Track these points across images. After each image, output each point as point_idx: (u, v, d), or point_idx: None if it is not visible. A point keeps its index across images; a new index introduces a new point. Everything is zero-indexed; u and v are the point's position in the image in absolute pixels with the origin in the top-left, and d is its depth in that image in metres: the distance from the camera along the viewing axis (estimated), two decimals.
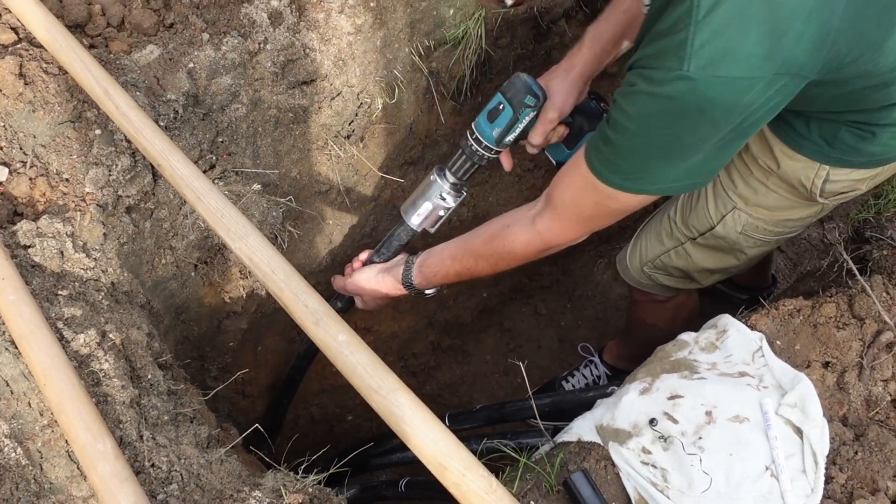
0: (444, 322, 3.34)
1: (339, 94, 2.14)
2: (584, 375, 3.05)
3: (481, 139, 1.88)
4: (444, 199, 2.01)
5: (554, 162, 2.04)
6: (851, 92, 1.50)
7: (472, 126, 1.90)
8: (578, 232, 1.68)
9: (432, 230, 2.08)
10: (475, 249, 1.86)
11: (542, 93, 1.84)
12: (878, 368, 1.71)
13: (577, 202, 1.60)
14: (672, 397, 1.66)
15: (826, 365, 1.72)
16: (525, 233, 1.74)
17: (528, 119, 1.85)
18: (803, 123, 1.67)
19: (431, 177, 2.01)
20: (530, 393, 2.00)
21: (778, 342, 1.76)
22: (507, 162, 1.98)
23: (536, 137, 1.90)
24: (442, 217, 2.05)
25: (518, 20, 2.43)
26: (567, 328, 3.68)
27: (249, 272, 2.08)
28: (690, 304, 2.37)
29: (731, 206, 1.90)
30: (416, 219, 2.04)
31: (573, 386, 3.04)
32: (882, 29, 1.36)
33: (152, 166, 1.76)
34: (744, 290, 2.96)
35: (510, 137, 1.87)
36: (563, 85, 1.89)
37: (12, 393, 1.40)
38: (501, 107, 1.84)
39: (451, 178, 1.99)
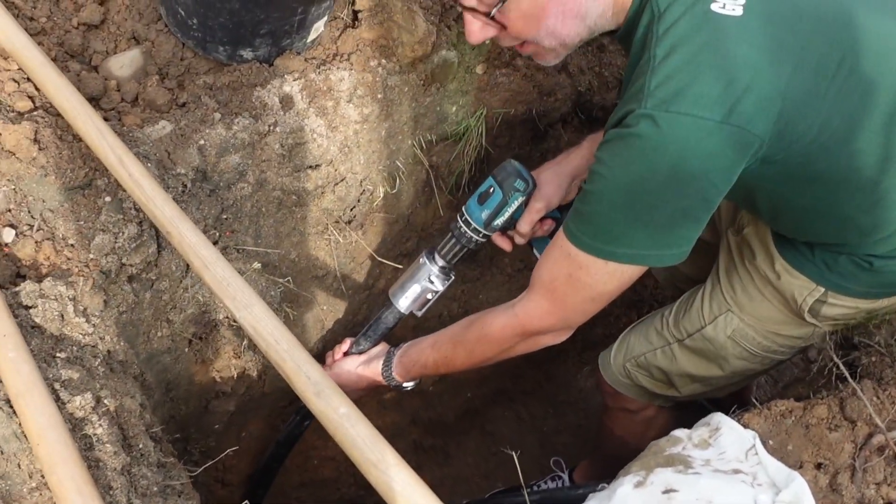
0: (427, 421, 3.31)
1: (342, 180, 2.18)
2: (549, 488, 3.01)
3: (470, 221, 1.91)
4: (432, 283, 2.03)
5: (538, 256, 2.06)
6: (844, 219, 1.59)
7: (463, 209, 1.94)
8: (555, 316, 1.68)
9: (420, 314, 2.10)
10: (454, 336, 1.87)
11: (532, 180, 1.89)
12: (871, 471, 1.70)
13: (553, 276, 1.62)
14: (667, 491, 1.64)
15: (818, 466, 1.72)
16: (504, 316, 1.75)
17: (516, 204, 1.89)
18: (807, 248, 1.74)
19: (420, 260, 2.04)
20: (523, 484, 1.97)
21: (770, 442, 1.76)
22: (505, 244, 2.00)
23: (524, 226, 1.93)
24: (430, 301, 2.07)
25: (517, 121, 2.51)
26: (548, 434, 3.65)
27: (244, 350, 2.07)
28: (660, 421, 2.31)
29: (726, 308, 1.93)
30: (405, 301, 2.05)
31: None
32: (845, 121, 1.44)
33: (158, 236, 1.77)
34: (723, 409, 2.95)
35: (499, 221, 1.91)
36: (553, 178, 1.94)
37: (2, 453, 1.37)
38: (492, 190, 1.88)
39: (441, 262, 2.02)
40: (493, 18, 1.54)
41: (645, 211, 1.43)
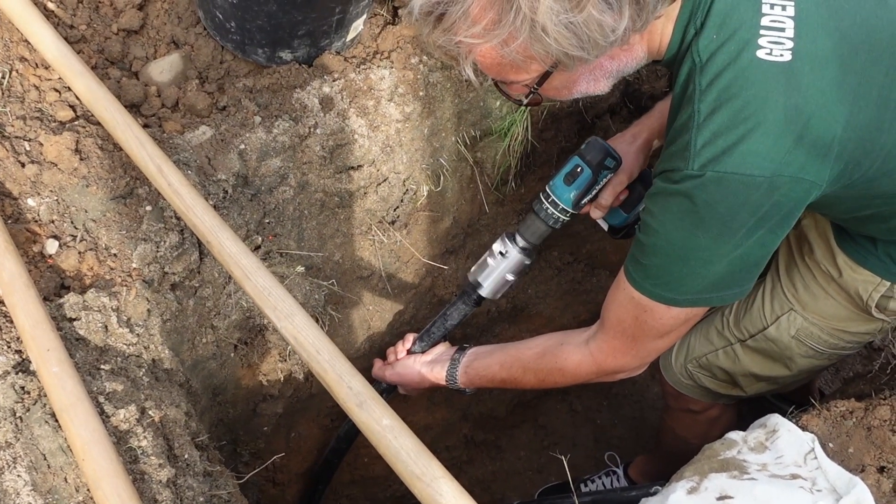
0: (478, 415, 3.29)
1: (385, 180, 2.15)
2: (603, 484, 2.97)
3: (558, 202, 1.90)
4: (515, 266, 2.02)
5: (606, 227, 2.05)
6: None
7: (547, 190, 1.92)
8: (628, 355, 1.68)
9: (497, 297, 2.09)
10: (525, 362, 1.86)
11: (619, 156, 1.88)
12: None
13: (620, 318, 1.62)
14: (721, 497, 1.60)
15: (881, 470, 1.66)
16: (578, 353, 1.75)
17: (604, 181, 1.89)
18: (869, 242, 1.69)
19: (500, 243, 2.03)
20: (573, 489, 1.95)
21: (830, 444, 1.70)
22: (595, 213, 1.98)
23: (607, 198, 1.92)
24: (510, 282, 2.06)
25: (563, 114, 2.46)
26: (603, 427, 3.61)
27: (289, 354, 2.06)
28: (724, 420, 2.28)
29: (788, 307, 1.88)
30: (488, 287, 2.05)
31: (590, 490, 2.96)
32: None
33: (199, 244, 1.77)
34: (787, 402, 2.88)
35: (586, 199, 1.90)
36: (631, 149, 1.93)
37: (49, 467, 1.37)
38: (580, 169, 1.87)
39: (522, 243, 2.00)
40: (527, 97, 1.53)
41: (700, 264, 1.43)
